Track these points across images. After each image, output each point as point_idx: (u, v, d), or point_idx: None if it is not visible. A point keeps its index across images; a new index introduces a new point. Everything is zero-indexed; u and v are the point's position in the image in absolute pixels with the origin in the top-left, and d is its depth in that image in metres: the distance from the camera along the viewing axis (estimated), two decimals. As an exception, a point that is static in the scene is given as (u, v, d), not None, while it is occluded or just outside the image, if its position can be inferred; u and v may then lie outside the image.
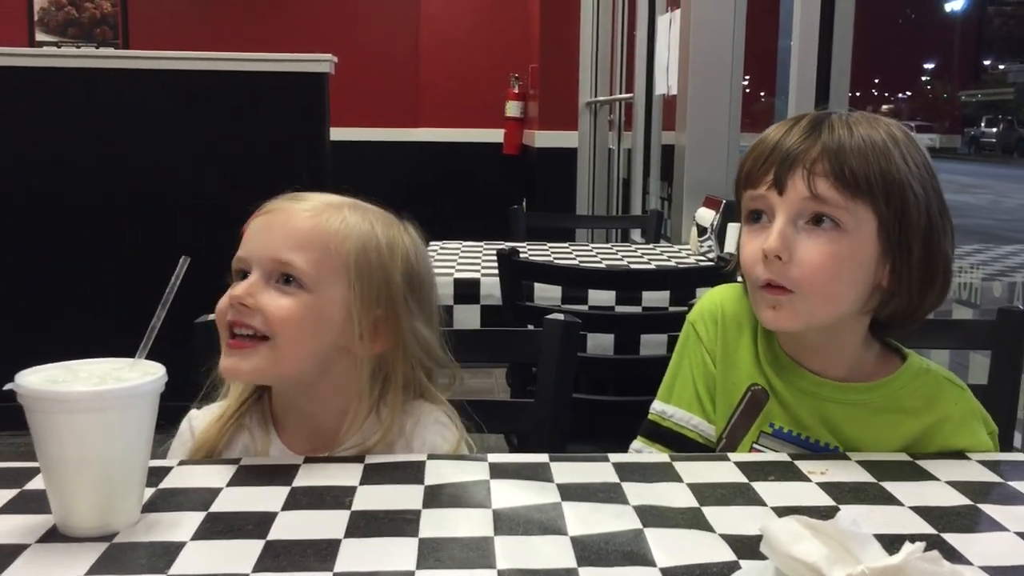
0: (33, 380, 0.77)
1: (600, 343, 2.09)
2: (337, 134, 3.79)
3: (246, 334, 0.97)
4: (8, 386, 0.76)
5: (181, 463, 0.95)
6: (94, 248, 3.57)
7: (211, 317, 1.20)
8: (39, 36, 6.43)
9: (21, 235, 3.56)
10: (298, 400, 1.02)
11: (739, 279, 1.09)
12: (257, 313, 0.96)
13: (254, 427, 1.04)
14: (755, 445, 1.07)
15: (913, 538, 0.74)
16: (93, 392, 0.76)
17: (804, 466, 0.95)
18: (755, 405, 1.07)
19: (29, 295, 3.57)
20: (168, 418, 0.95)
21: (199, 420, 1.07)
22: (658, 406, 1.14)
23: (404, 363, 1.03)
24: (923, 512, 0.85)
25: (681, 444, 1.11)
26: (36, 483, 0.86)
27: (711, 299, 1.15)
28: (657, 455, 1.07)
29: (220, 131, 3.60)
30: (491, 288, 2.15)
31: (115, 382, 0.78)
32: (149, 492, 0.85)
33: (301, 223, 0.99)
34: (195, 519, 0.81)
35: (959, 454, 1.02)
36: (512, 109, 6.38)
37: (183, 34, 6.09)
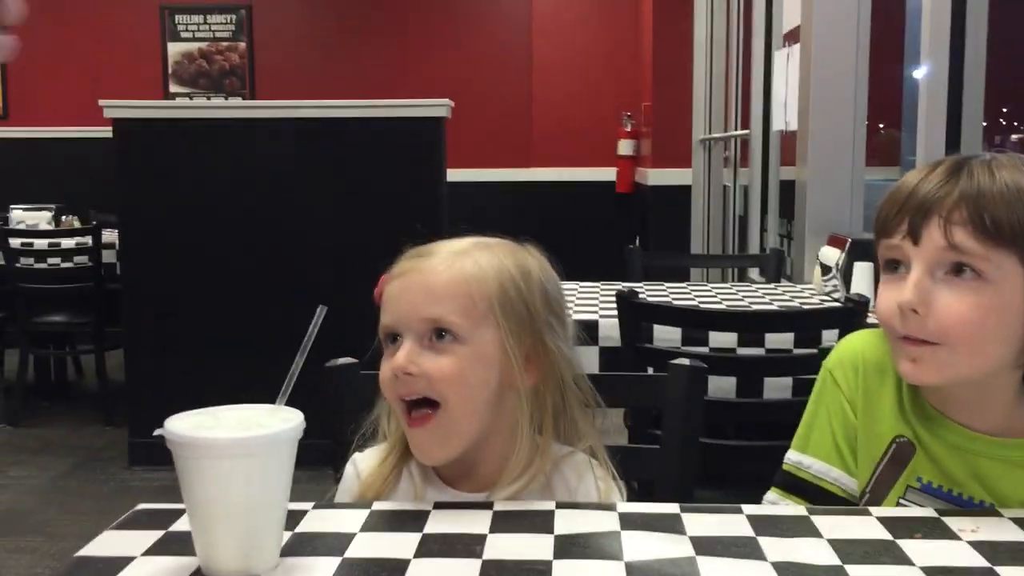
0: (181, 426, 0.80)
1: (721, 386, 2.04)
2: (451, 175, 3.86)
3: (416, 400, 0.99)
4: (158, 431, 0.79)
5: (316, 507, 0.97)
6: (230, 295, 3.71)
7: (341, 361, 1.24)
8: (173, 88, 6.81)
9: (159, 285, 3.73)
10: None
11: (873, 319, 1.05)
12: (421, 379, 0.98)
13: (414, 469, 1.05)
14: (901, 500, 1.02)
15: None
16: (239, 439, 0.79)
17: (953, 523, 0.90)
18: (901, 458, 1.01)
19: (169, 342, 3.72)
20: (304, 460, 0.96)
21: (364, 463, 1.09)
22: (794, 456, 1.10)
23: (555, 391, 1.04)
24: (1091, 577, 0.79)
25: (820, 498, 1.06)
26: (181, 524, 0.89)
27: (850, 345, 1.10)
28: (793, 507, 1.03)
29: (342, 177, 3.71)
30: (609, 330, 2.13)
31: (258, 428, 0.80)
32: (286, 536, 0.87)
33: (439, 277, 1.00)
34: (331, 564, 0.82)
35: (1124, 512, 0.94)
36: (624, 148, 6.39)
37: (306, 83, 6.35)
